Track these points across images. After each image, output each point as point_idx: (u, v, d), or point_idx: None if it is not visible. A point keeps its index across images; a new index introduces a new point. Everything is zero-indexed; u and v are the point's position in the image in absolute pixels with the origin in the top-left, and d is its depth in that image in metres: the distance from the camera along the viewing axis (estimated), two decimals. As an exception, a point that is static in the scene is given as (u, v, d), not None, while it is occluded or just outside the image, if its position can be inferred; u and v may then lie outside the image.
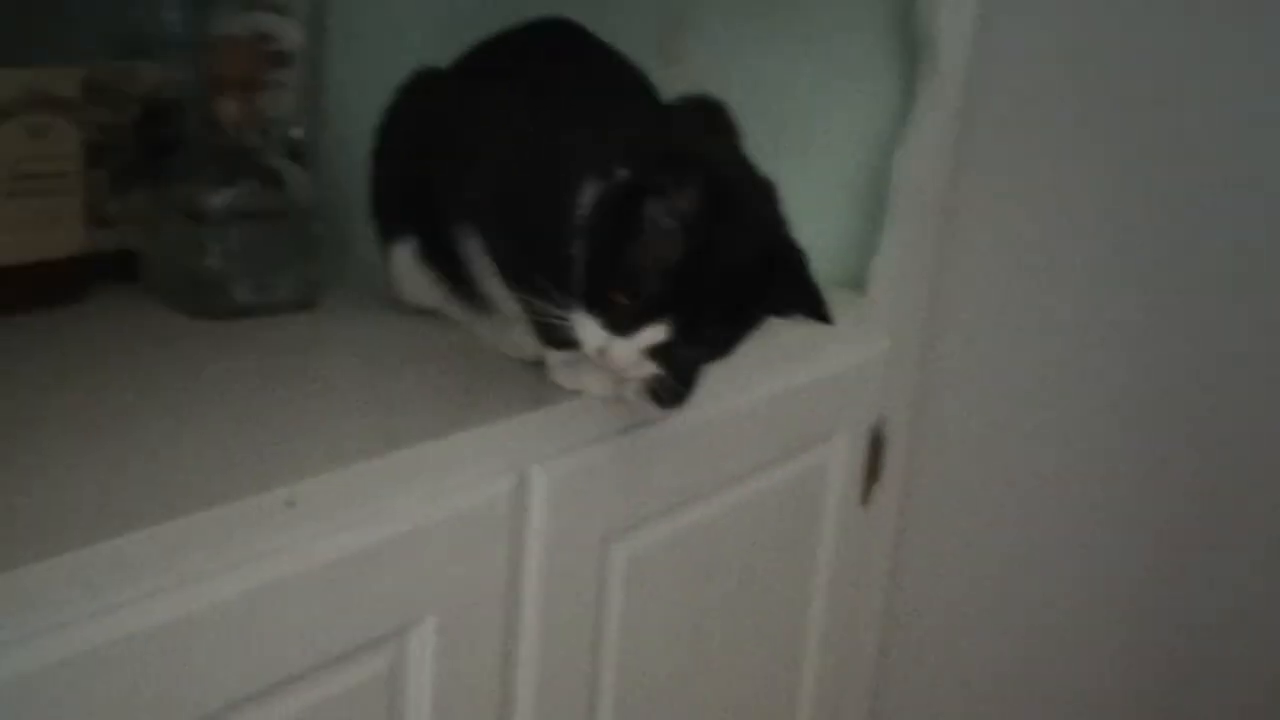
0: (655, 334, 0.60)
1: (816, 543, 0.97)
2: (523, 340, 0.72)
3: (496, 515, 0.65)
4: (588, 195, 0.62)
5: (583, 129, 0.65)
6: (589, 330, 0.60)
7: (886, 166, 0.97)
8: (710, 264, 0.59)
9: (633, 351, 0.60)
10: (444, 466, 0.62)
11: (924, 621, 1.12)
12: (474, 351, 0.76)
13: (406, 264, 0.78)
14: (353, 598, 0.58)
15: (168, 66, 0.81)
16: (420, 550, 0.60)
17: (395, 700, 0.62)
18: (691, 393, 0.71)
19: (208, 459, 0.56)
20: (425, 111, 0.75)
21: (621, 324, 0.60)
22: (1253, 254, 0.92)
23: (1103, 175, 0.96)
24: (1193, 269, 0.94)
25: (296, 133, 0.90)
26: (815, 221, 1.00)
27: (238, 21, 0.82)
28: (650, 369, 0.62)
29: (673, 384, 0.66)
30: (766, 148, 0.99)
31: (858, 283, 0.98)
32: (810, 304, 0.62)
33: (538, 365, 0.71)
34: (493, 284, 0.71)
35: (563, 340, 0.68)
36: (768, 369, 0.86)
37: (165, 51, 0.81)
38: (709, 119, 0.70)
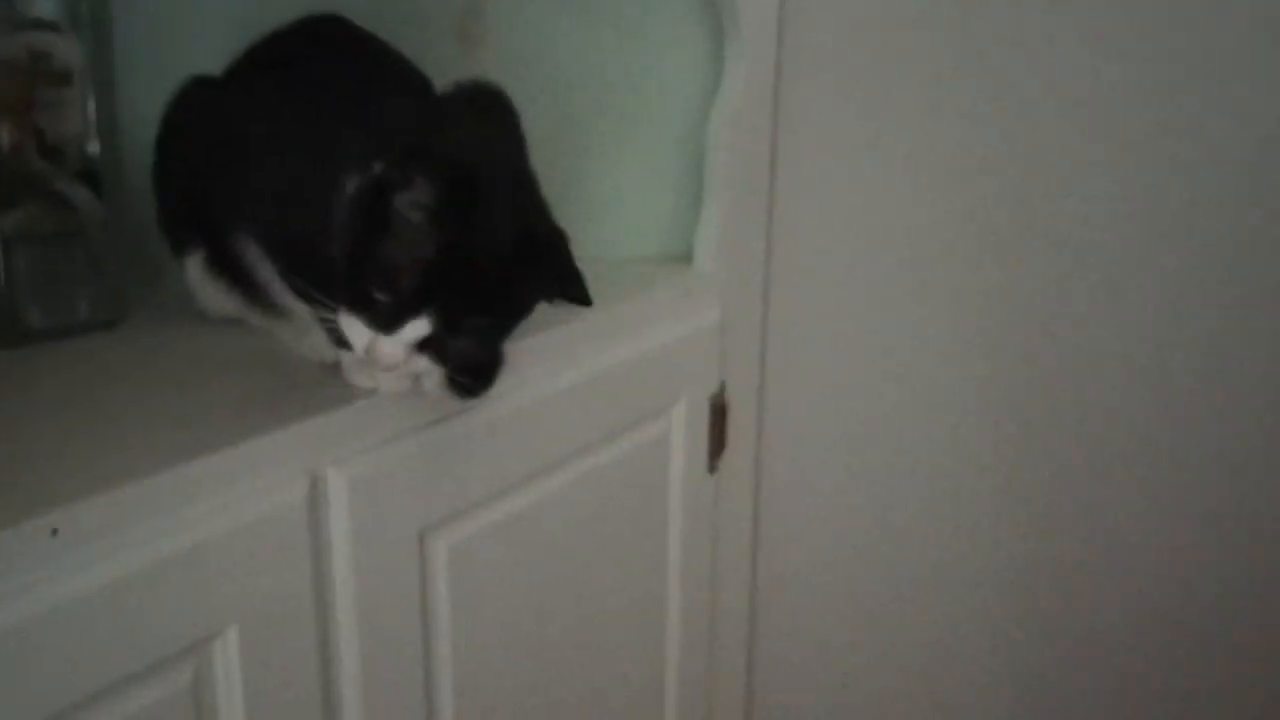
0: (418, 328, 0.60)
1: (666, 515, 0.98)
2: (320, 343, 0.72)
3: (292, 520, 0.64)
4: (346, 195, 0.61)
5: (345, 127, 0.65)
6: (354, 330, 0.61)
7: (703, 133, 0.97)
8: (464, 254, 0.59)
9: (399, 347, 0.60)
10: (230, 477, 0.61)
11: (791, 585, 1.14)
12: (275, 358, 0.75)
13: (199, 275, 0.77)
14: (140, 616, 0.57)
15: (-60, 93, 0.79)
16: (211, 562, 0.60)
17: (205, 712, 0.62)
18: (491, 381, 0.71)
19: None
20: (197, 121, 0.74)
21: (384, 321, 0.60)
22: (1078, 188, 0.94)
23: (922, 122, 0.98)
24: (1016, 207, 0.96)
25: (91, 150, 0.88)
26: (638, 197, 1.03)
27: (8, 44, 0.80)
28: (424, 364, 0.62)
29: (460, 376, 0.66)
30: (581, 127, 1.00)
31: (686, 255, 1.00)
32: (568, 286, 0.62)
33: (336, 368, 0.71)
34: (279, 290, 0.71)
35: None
36: (591, 348, 0.86)
37: (-65, 78, 0.79)
38: (480, 107, 0.70)
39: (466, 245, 0.59)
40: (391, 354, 0.60)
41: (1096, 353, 0.96)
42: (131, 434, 0.63)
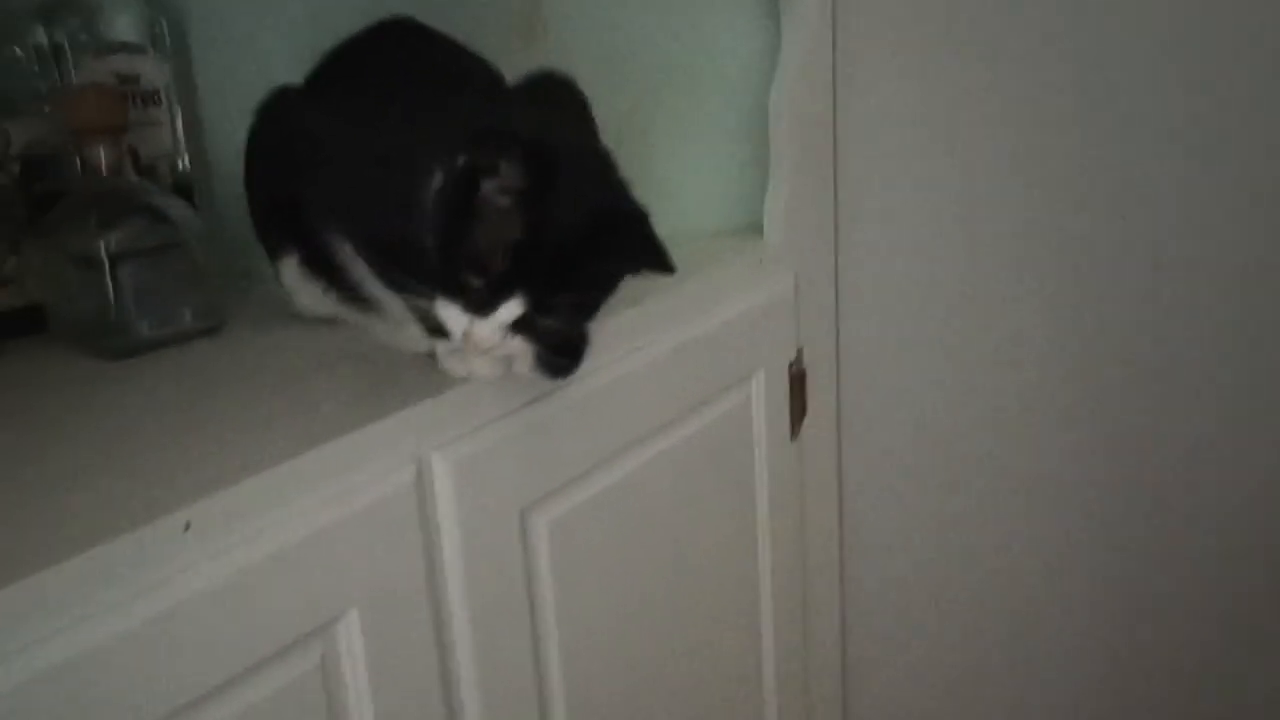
0: (512, 309, 0.62)
1: (752, 482, 0.99)
2: (414, 335, 0.75)
3: (402, 505, 0.67)
4: (433, 187, 0.64)
5: (426, 124, 0.67)
6: (451, 315, 0.63)
7: (765, 108, 0.99)
8: (550, 234, 0.61)
9: (494, 330, 0.62)
10: (342, 466, 0.65)
11: (876, 546, 1.15)
12: (372, 352, 0.78)
13: (294, 277, 0.80)
14: (268, 603, 0.60)
15: (38, 121, 0.83)
16: (329, 549, 0.63)
17: (334, 690, 0.65)
18: (579, 360, 0.74)
19: (107, 494, 0.59)
20: (283, 128, 0.77)
21: (478, 304, 0.62)
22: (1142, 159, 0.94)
23: (982, 84, 0.98)
24: (1085, 166, 0.96)
25: (182, 164, 0.92)
26: (706, 172, 1.04)
27: (97, 68, 0.84)
28: (519, 344, 0.64)
29: (551, 356, 0.68)
30: (645, 108, 1.02)
31: (757, 227, 1.01)
32: (651, 257, 0.64)
33: (432, 358, 0.74)
34: (373, 285, 0.74)
35: (446, 329, 0.71)
36: (670, 322, 0.88)
37: (33, 107, 0.83)
38: (552, 96, 0.72)
39: (552, 225, 0.61)
40: (488, 337, 0.62)
41: (1178, 305, 0.95)
42: (247, 431, 0.67)
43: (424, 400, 0.69)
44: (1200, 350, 0.95)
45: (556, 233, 0.62)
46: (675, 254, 0.94)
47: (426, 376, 0.73)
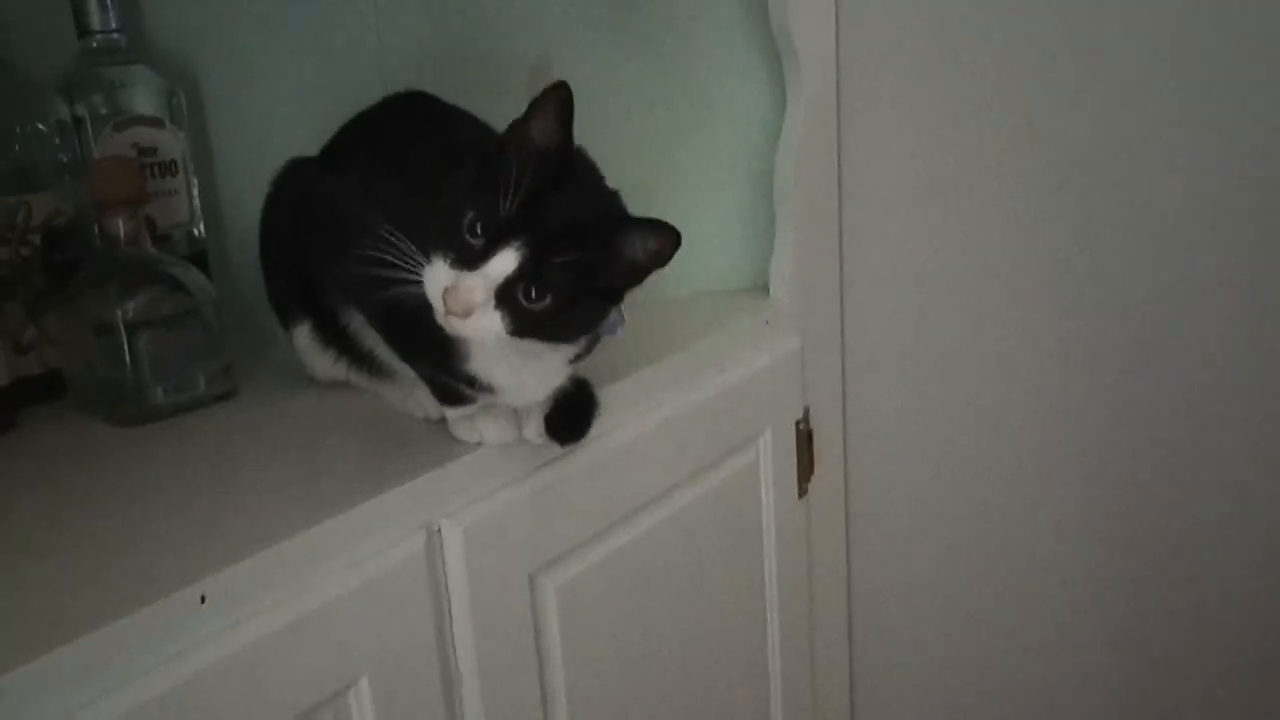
0: (505, 262, 0.60)
1: (760, 541, 1.00)
2: (425, 401, 0.76)
3: (413, 572, 0.68)
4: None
5: (434, 188, 0.68)
6: (436, 274, 0.61)
7: (770, 169, 1.00)
8: (560, 198, 0.61)
9: (480, 283, 0.60)
10: (355, 535, 0.66)
11: (885, 602, 1.15)
12: (382, 418, 0.79)
13: (307, 345, 0.82)
14: (280, 673, 0.61)
15: (60, 192, 0.85)
16: (342, 617, 0.64)
17: (344, 760, 0.66)
18: (589, 425, 0.75)
19: (125, 565, 0.60)
20: (297, 200, 0.79)
21: (470, 256, 0.60)
22: (1150, 217, 0.95)
23: (983, 141, 0.99)
24: (1087, 218, 0.97)
25: (197, 231, 0.94)
26: (713, 233, 1.06)
27: (117, 140, 0.87)
28: (497, 322, 0.61)
29: (569, 416, 0.69)
30: (650, 168, 1.03)
31: (762, 286, 1.02)
32: (653, 229, 0.62)
33: (442, 423, 0.75)
34: (385, 353, 0.75)
35: (457, 396, 0.72)
36: (678, 384, 0.89)
37: (56, 178, 0.85)
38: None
39: (562, 192, 0.61)
40: (471, 290, 0.60)
41: (1183, 366, 0.96)
42: (262, 500, 0.68)
43: (435, 468, 0.70)
44: (1216, 371, 0.95)
45: (567, 199, 0.61)
46: (681, 313, 0.96)
47: (437, 443, 0.74)
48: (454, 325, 0.62)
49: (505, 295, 0.61)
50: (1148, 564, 1.02)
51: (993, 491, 1.07)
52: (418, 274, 0.62)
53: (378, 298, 0.71)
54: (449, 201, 0.62)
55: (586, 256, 0.61)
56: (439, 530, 0.70)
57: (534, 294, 0.61)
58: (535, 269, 0.60)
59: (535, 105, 0.62)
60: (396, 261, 0.62)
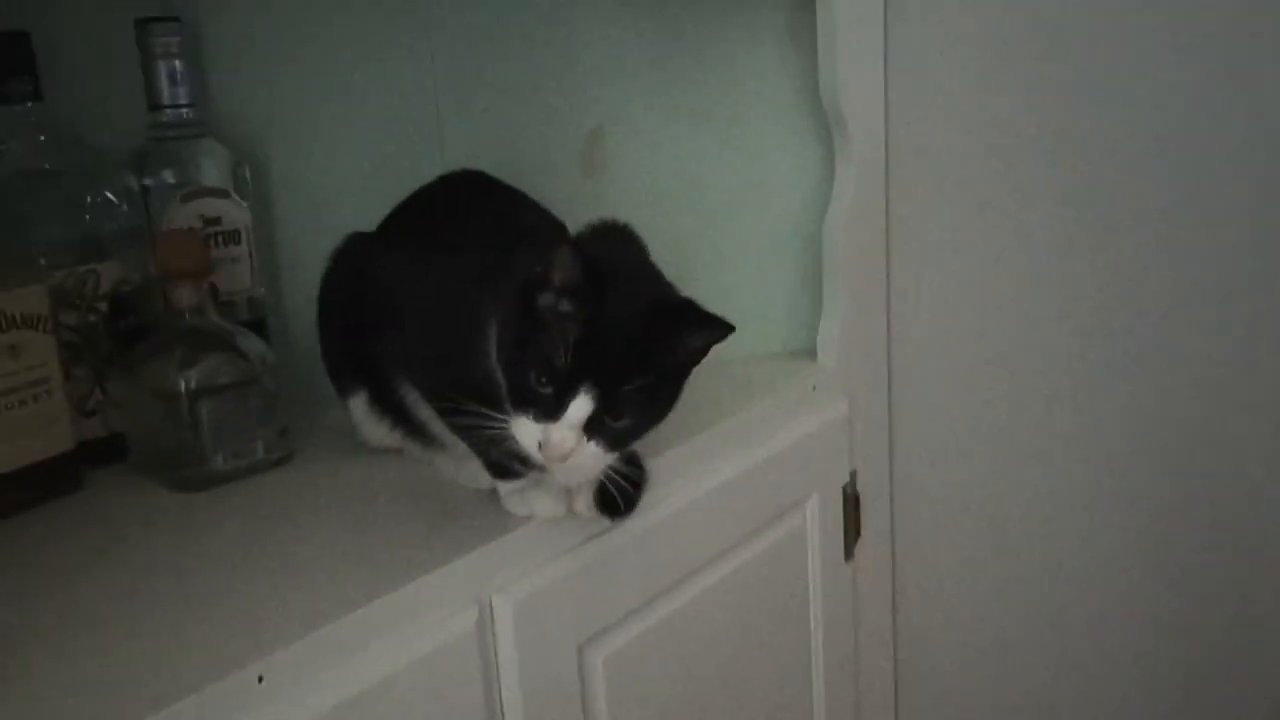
0: (581, 407, 0.63)
1: (807, 606, 1.00)
2: (477, 473, 0.77)
3: (464, 648, 0.69)
4: (494, 321, 0.68)
5: (489, 268, 0.70)
6: (525, 430, 0.65)
7: (820, 231, 1.01)
8: (608, 327, 0.64)
9: (568, 432, 0.63)
10: (409, 611, 0.67)
11: (934, 674, 1.14)
12: (434, 487, 0.81)
13: (362, 414, 0.83)
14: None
15: (126, 260, 0.88)
16: (394, 697, 0.65)
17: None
18: (638, 499, 0.76)
19: (179, 642, 0.61)
20: (355, 274, 0.81)
21: (549, 407, 0.64)
22: (1203, 270, 0.94)
23: (1031, 205, 1.00)
24: (1137, 281, 0.97)
25: (259, 295, 0.96)
26: (762, 298, 1.07)
27: (183, 210, 0.89)
28: (595, 451, 0.65)
29: (619, 490, 0.71)
30: (700, 235, 1.05)
31: (810, 350, 1.03)
32: (707, 326, 0.66)
33: (493, 493, 0.76)
34: (438, 426, 0.76)
35: (509, 470, 0.73)
36: (725, 451, 0.90)
37: (122, 247, 0.88)
38: (611, 238, 0.74)
39: (606, 320, 0.64)
40: (563, 439, 0.63)
41: (1239, 411, 0.95)
42: (317, 574, 0.69)
43: (488, 542, 0.71)
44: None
45: (614, 325, 0.64)
46: (729, 379, 0.97)
47: (488, 514, 0.75)
48: (557, 469, 0.67)
49: (593, 426, 0.65)
50: (1216, 659, 1.00)
51: (1044, 559, 1.06)
52: (504, 425, 0.66)
53: (434, 374, 0.73)
54: (511, 357, 0.66)
55: (651, 366, 0.65)
56: (490, 605, 0.71)
57: (618, 416, 0.65)
58: (611, 399, 0.64)
59: (545, 270, 0.65)
60: (482, 424, 0.67)
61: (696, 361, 0.68)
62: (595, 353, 0.64)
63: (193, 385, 0.82)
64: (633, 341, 0.64)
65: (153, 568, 0.72)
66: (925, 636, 1.14)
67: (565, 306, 0.64)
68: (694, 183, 1.05)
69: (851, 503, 1.03)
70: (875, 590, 1.10)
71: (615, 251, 0.70)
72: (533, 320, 0.65)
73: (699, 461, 0.87)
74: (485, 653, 0.71)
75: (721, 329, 0.65)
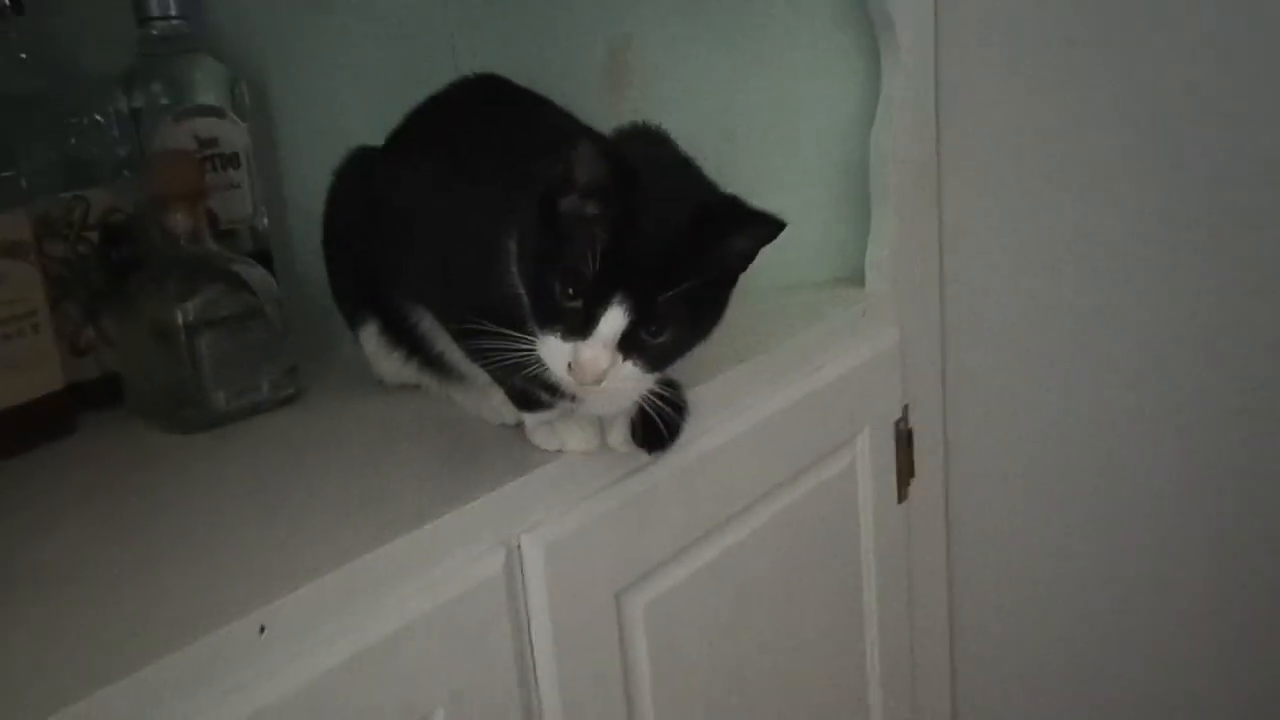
0: (616, 319, 0.56)
1: (858, 550, 0.93)
2: (501, 406, 0.71)
3: (491, 593, 0.63)
4: (515, 234, 0.60)
5: (508, 178, 0.63)
6: (553, 351, 0.57)
7: (865, 149, 0.93)
8: (641, 230, 0.56)
9: (601, 349, 0.56)
10: (427, 556, 0.60)
11: (990, 616, 1.08)
12: (455, 423, 0.74)
13: (374, 346, 0.77)
14: (347, 707, 0.56)
15: (118, 187, 0.81)
16: (414, 646, 0.58)
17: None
18: (678, 432, 0.69)
19: (180, 591, 0.55)
20: (362, 193, 0.74)
21: (579, 324, 0.56)
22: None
23: (1090, 120, 0.91)
24: (1197, 204, 0.89)
25: (261, 224, 0.90)
26: (804, 221, 0.97)
27: (176, 132, 0.82)
28: (632, 372, 0.58)
29: (661, 419, 0.63)
30: (738, 157, 0.97)
31: (857, 278, 0.95)
32: (753, 225, 0.58)
33: (519, 429, 0.70)
34: (456, 355, 0.70)
35: (536, 401, 0.66)
36: (771, 383, 0.83)
37: (113, 173, 0.81)
38: (646, 142, 0.66)
39: (639, 222, 0.56)
40: (595, 358, 0.56)
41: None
42: (326, 517, 0.62)
43: (513, 479, 0.65)
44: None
45: (648, 227, 0.56)
46: (773, 307, 0.89)
47: (514, 451, 0.69)
48: (589, 395, 0.60)
49: (629, 344, 0.57)
50: (1273, 564, 0.93)
51: (1103, 495, 0.99)
52: (530, 348, 0.59)
53: (449, 295, 0.66)
54: (534, 269, 0.58)
55: (693, 272, 0.57)
56: (519, 547, 0.64)
57: (656, 331, 0.57)
58: (647, 310, 0.56)
59: (567, 168, 0.57)
60: (505, 348, 0.59)
61: (744, 267, 0.60)
62: (628, 259, 0.56)
63: (190, 318, 0.75)
64: (671, 245, 0.57)
65: (149, 512, 0.66)
66: (981, 580, 1.07)
67: (592, 209, 0.57)
68: (728, 97, 0.96)
69: (904, 438, 0.96)
70: (928, 532, 1.03)
71: (647, 149, 0.63)
72: (557, 228, 0.57)
73: (742, 394, 0.80)
74: (514, 599, 0.64)
75: (771, 226, 0.57)
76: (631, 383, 0.59)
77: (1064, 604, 1.04)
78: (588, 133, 0.56)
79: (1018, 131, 0.95)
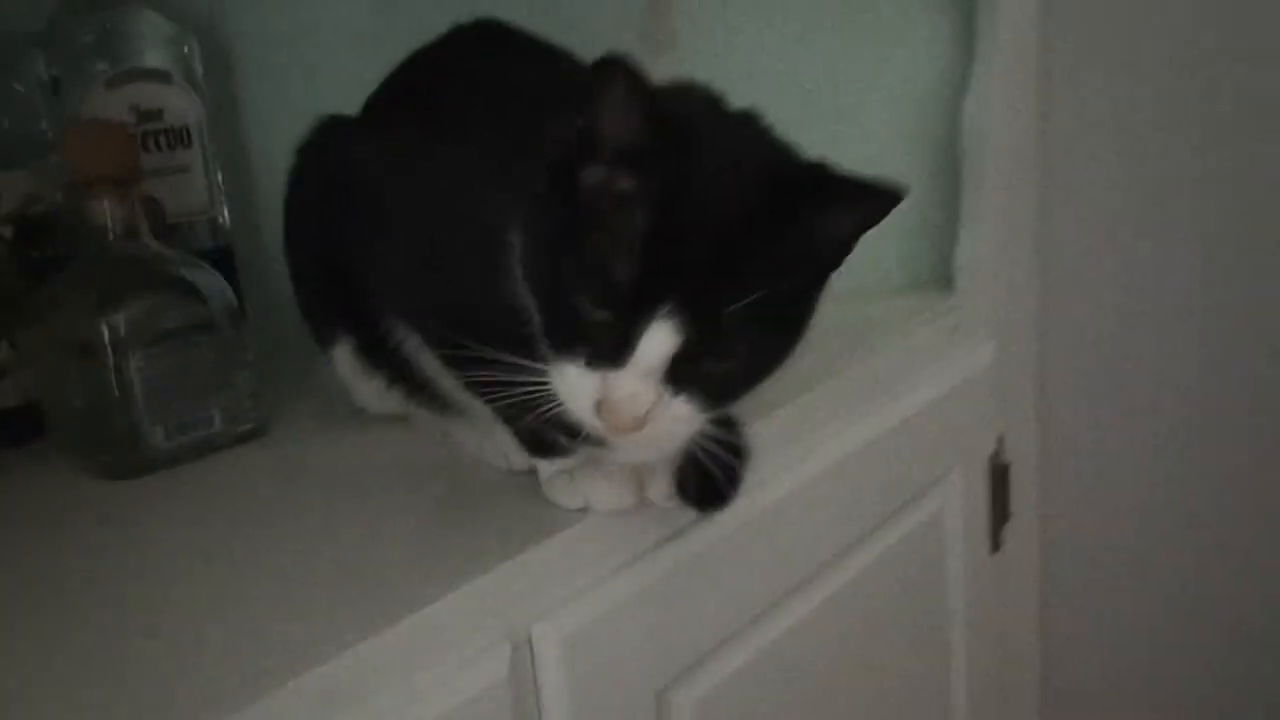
0: (662, 340, 0.40)
1: (945, 615, 0.77)
2: (505, 446, 0.55)
3: (494, 704, 0.47)
4: (520, 223, 0.44)
5: (513, 152, 0.47)
6: (573, 384, 0.42)
7: (954, 125, 0.77)
8: (695, 211, 0.41)
9: (641, 382, 0.41)
10: (412, 657, 0.45)
11: (1084, 685, 0.91)
12: (449, 468, 0.59)
13: (349, 369, 0.61)
14: None
15: (37, 172, 0.66)
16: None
17: None
18: (738, 483, 0.52)
19: (87, 707, 0.40)
20: (332, 173, 0.58)
21: (610, 347, 0.41)
22: None
23: (1214, 123, 0.78)
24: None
25: (221, 217, 0.74)
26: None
27: (111, 101, 0.67)
28: (684, 413, 0.42)
29: (718, 467, 0.47)
30: (801, 131, 0.81)
31: (944, 281, 0.79)
32: (858, 198, 0.42)
33: (530, 475, 0.54)
34: (450, 384, 0.54)
35: (552, 445, 0.51)
36: (845, 417, 0.67)
37: (31, 154, 0.66)
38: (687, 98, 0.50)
39: (692, 199, 0.41)
40: (633, 396, 0.41)
41: None
42: (282, 605, 0.47)
43: (522, 550, 0.49)
44: None
45: (705, 207, 0.41)
46: (845, 322, 0.73)
47: (524, 509, 0.53)
48: (627, 442, 0.44)
49: (680, 373, 0.41)
50: None
51: (1229, 538, 0.84)
52: (541, 380, 0.43)
53: (435, 314, 0.50)
54: (545, 271, 0.43)
55: (768, 270, 0.41)
56: (529, 640, 0.50)
57: (719, 356, 0.42)
58: (706, 326, 0.40)
59: (594, 100, 0.41)
60: (507, 379, 0.44)
61: (839, 260, 0.44)
62: (678, 253, 0.40)
63: (120, 333, 0.60)
64: (738, 232, 0.41)
65: (60, 586, 0.51)
66: (1077, 644, 0.91)
67: (625, 182, 0.41)
68: (790, 67, 0.81)
69: (999, 476, 0.80)
70: (1022, 587, 0.87)
71: (698, 104, 0.47)
72: (576, 211, 0.42)
73: (806, 432, 0.64)
74: (525, 704, 0.49)
75: (883, 199, 0.42)
76: (683, 425, 0.43)
77: (1177, 669, 0.89)
78: (616, 64, 0.40)
79: (1131, 115, 0.81)
